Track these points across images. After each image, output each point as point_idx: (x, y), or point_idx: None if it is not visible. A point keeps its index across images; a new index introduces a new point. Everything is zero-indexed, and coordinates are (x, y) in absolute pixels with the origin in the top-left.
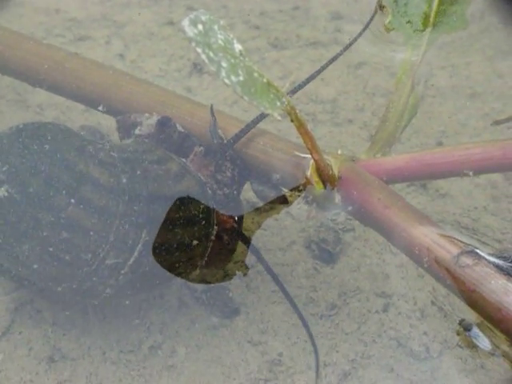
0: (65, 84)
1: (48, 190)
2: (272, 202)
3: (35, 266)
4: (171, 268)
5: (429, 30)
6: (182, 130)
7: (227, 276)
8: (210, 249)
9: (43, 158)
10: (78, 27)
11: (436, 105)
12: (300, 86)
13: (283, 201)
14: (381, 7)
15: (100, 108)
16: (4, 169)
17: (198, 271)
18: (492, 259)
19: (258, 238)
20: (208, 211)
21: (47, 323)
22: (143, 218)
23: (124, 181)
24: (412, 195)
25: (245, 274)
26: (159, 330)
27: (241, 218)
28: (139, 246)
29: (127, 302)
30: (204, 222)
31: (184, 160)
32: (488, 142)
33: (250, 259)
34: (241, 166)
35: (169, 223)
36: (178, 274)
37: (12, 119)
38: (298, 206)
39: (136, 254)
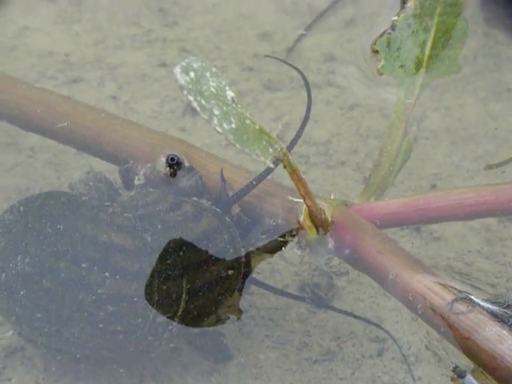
0: (57, 128)
1: (79, 271)
2: (267, 248)
3: (89, 345)
4: (215, 303)
5: (422, 73)
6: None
7: (220, 320)
8: (243, 270)
9: (62, 239)
10: (71, 69)
11: (429, 147)
12: (297, 137)
13: (279, 247)
14: (374, 51)
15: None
16: (27, 260)
17: (237, 293)
18: (486, 305)
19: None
20: (233, 238)
21: (38, 370)
22: (179, 268)
23: (149, 239)
24: (405, 238)
25: (238, 319)
26: (152, 376)
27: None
28: (183, 295)
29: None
30: (232, 249)
31: (195, 198)
32: (481, 186)
33: (243, 303)
34: (245, 226)
35: (203, 264)
36: (222, 304)
37: (4, 162)
38: (291, 251)
39: (182, 303)
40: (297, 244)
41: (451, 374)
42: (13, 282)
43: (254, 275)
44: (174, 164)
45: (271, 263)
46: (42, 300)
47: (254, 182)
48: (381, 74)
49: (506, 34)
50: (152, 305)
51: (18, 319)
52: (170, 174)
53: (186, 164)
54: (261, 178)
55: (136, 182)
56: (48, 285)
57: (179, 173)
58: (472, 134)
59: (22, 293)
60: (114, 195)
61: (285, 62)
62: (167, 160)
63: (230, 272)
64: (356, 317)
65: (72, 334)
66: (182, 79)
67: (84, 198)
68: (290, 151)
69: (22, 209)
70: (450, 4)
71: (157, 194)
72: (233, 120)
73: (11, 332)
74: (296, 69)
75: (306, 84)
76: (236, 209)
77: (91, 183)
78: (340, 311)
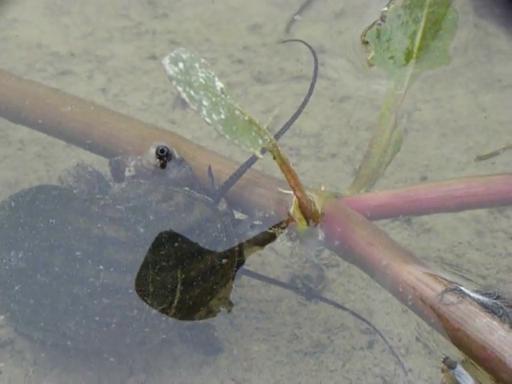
0: (46, 120)
1: (73, 264)
2: (257, 240)
3: (86, 338)
4: (210, 292)
5: (412, 65)
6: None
7: (211, 313)
8: (237, 258)
9: (55, 233)
10: (60, 62)
11: (420, 138)
12: (287, 126)
13: (269, 238)
14: (364, 42)
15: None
16: (20, 255)
17: (231, 282)
18: (476, 296)
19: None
20: (226, 226)
21: (28, 363)
22: (173, 259)
23: (142, 230)
24: (396, 230)
25: (229, 311)
26: (142, 369)
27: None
28: (178, 286)
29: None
30: (225, 238)
31: (186, 188)
32: (471, 177)
33: (233, 296)
34: (232, 221)
35: (197, 254)
36: (217, 294)
37: None
38: (282, 243)
39: (178, 294)
40: (287, 236)
41: (442, 365)
42: (7, 277)
43: (245, 266)
44: (164, 155)
45: (261, 255)
46: (36, 295)
47: (238, 173)
48: (371, 66)
49: (496, 26)
50: (147, 296)
51: (12, 314)
52: (160, 166)
53: (177, 155)
54: (244, 168)
55: (127, 173)
56: (42, 279)
57: (169, 164)
58: (462, 126)
59: (16, 288)
60: (105, 187)
61: (303, 43)
62: (157, 151)
63: (224, 261)
64: (345, 309)
65: (68, 327)
66: (171, 70)
67: (75, 191)
68: (282, 134)
69: (13, 204)
70: None
71: (148, 185)
72: (222, 111)
73: (2, 317)
74: (310, 47)
75: (315, 66)
76: (223, 204)
77: (81, 176)
78: (329, 302)
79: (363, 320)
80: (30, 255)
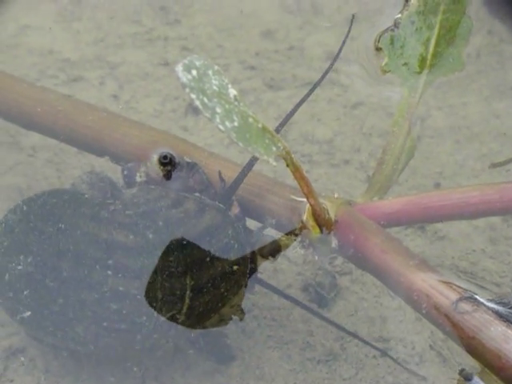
0: (58, 127)
1: (82, 269)
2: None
3: (95, 343)
4: (221, 299)
5: (425, 71)
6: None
7: (223, 321)
8: (249, 265)
9: (64, 238)
10: (72, 68)
11: (433, 145)
12: (286, 119)
13: (282, 246)
14: (377, 49)
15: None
16: (29, 260)
17: (243, 290)
18: (491, 305)
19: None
20: (237, 232)
21: (40, 371)
22: (182, 265)
23: (150, 236)
24: (410, 237)
25: (241, 319)
26: (154, 377)
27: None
28: (187, 292)
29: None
30: (237, 244)
31: (197, 194)
32: (485, 184)
33: (245, 303)
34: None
35: (207, 260)
36: (228, 301)
37: (5, 161)
38: (295, 250)
39: (187, 300)
40: (300, 243)
41: (456, 375)
42: (16, 281)
43: (258, 274)
44: (167, 163)
45: (274, 262)
46: (45, 299)
47: (243, 173)
48: (384, 72)
49: (509, 32)
50: (156, 302)
51: (22, 319)
52: (164, 176)
53: (188, 160)
54: (250, 166)
55: (138, 179)
56: (51, 284)
57: (175, 174)
58: (476, 133)
59: (25, 292)
60: (118, 194)
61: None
62: (159, 159)
63: (236, 267)
64: (348, 332)
65: (77, 333)
66: (184, 77)
67: (86, 196)
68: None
69: (24, 208)
70: (453, 1)
71: (159, 190)
72: (235, 118)
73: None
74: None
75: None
76: (235, 209)
77: (94, 183)
78: (332, 323)
79: (365, 342)
80: (39, 260)
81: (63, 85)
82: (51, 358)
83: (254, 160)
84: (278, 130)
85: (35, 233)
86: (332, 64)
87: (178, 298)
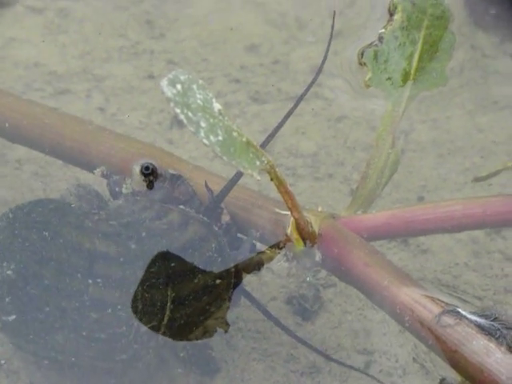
0: (44, 140)
1: (63, 277)
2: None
3: (75, 352)
4: (203, 312)
5: (409, 86)
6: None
7: (207, 333)
8: (233, 279)
9: (47, 246)
10: (58, 81)
11: (417, 159)
12: (271, 136)
13: (266, 259)
14: (361, 63)
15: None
16: (12, 266)
17: (227, 303)
18: (474, 318)
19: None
20: (221, 247)
21: (24, 383)
22: (163, 276)
23: (133, 247)
24: (393, 251)
25: (225, 331)
26: None
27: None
28: (168, 304)
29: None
30: (220, 258)
31: (182, 206)
32: (468, 198)
33: (230, 315)
34: (234, 236)
35: (189, 273)
36: (211, 314)
37: None
38: (279, 263)
39: (168, 312)
40: (284, 256)
41: None
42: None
43: (245, 287)
44: (149, 173)
45: (258, 275)
46: (26, 307)
47: (232, 182)
48: (368, 87)
49: (492, 47)
50: (136, 313)
51: (4, 326)
52: (147, 186)
53: (172, 172)
54: (238, 176)
55: (124, 190)
56: (32, 291)
57: (157, 184)
58: (459, 147)
59: (7, 299)
60: (105, 206)
61: None
62: (141, 170)
63: (218, 281)
64: (327, 357)
65: (57, 341)
66: (169, 92)
67: (72, 206)
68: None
69: (10, 215)
70: (437, 17)
71: (144, 202)
72: (220, 132)
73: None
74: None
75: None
76: (226, 217)
77: (82, 195)
78: (311, 348)
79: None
80: (22, 267)
81: (49, 98)
82: (35, 370)
83: (237, 176)
84: (264, 145)
85: (19, 240)
86: (315, 78)
87: (158, 310)
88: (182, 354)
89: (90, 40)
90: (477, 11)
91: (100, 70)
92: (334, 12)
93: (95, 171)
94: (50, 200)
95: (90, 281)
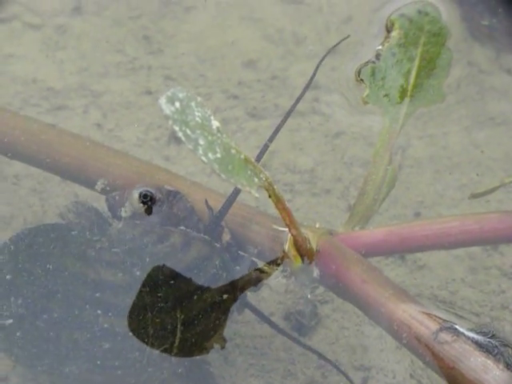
0: (41, 156)
1: (72, 309)
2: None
3: (89, 380)
4: (213, 328)
5: (406, 102)
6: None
7: (205, 349)
8: (238, 293)
9: (52, 279)
10: (55, 97)
11: (414, 175)
12: (265, 147)
13: (265, 275)
14: (358, 80)
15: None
16: (19, 302)
17: (234, 315)
18: (471, 335)
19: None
20: (224, 263)
21: None
22: (171, 300)
23: (138, 273)
24: (390, 267)
25: (222, 347)
26: None
27: None
28: (179, 326)
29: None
30: (225, 274)
31: (182, 227)
32: (465, 215)
33: (227, 332)
34: (235, 254)
35: (196, 292)
36: (221, 328)
37: None
38: (276, 280)
39: (179, 334)
40: (282, 273)
41: None
42: (8, 323)
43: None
44: (148, 201)
45: (256, 291)
46: (37, 341)
47: (230, 200)
48: (365, 103)
49: (489, 63)
50: (147, 338)
51: (17, 359)
52: (145, 211)
53: (169, 189)
54: (235, 195)
55: (123, 214)
56: (42, 325)
57: (156, 208)
58: (456, 163)
59: (18, 334)
60: (104, 224)
61: None
62: (140, 197)
63: (225, 296)
64: (326, 360)
65: (71, 371)
66: (168, 109)
67: (73, 233)
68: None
69: (12, 248)
70: (434, 34)
71: (144, 226)
72: (218, 150)
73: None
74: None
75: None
76: (226, 236)
77: (80, 212)
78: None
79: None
80: (29, 301)
81: (47, 113)
82: None
83: (236, 192)
84: (258, 159)
85: (24, 274)
86: (304, 90)
87: (169, 333)
88: (180, 370)
89: (87, 56)
90: (473, 23)
91: (97, 86)
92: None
93: (97, 184)
94: (51, 226)
95: (99, 311)
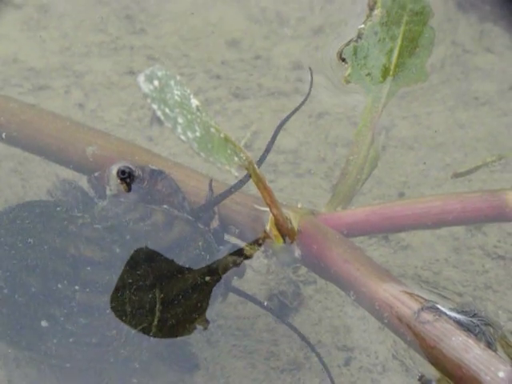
0: (21, 136)
1: (50, 285)
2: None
3: (68, 357)
4: (195, 310)
5: (389, 82)
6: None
7: (186, 330)
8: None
9: (32, 253)
10: (37, 77)
11: (397, 155)
12: (268, 148)
13: (246, 255)
14: (341, 59)
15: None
16: None
17: (219, 299)
18: (453, 315)
19: None
20: (209, 244)
21: (2, 381)
22: (150, 278)
23: (118, 250)
24: (373, 247)
25: (205, 328)
26: None
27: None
28: (157, 305)
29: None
30: (208, 255)
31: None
32: (448, 194)
33: (210, 313)
34: (221, 241)
35: (177, 273)
36: (204, 310)
37: None
38: (258, 260)
39: (158, 313)
40: (263, 253)
41: (417, 383)
42: None
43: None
44: (126, 177)
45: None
46: (15, 315)
47: (232, 190)
48: (348, 82)
49: (473, 43)
50: (125, 316)
51: None
52: (124, 189)
53: (153, 168)
54: (237, 187)
55: (108, 192)
56: (20, 299)
57: (134, 186)
58: (440, 143)
59: None
60: (90, 203)
61: None
62: (118, 174)
63: (208, 278)
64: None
65: (49, 347)
66: (146, 88)
67: (58, 209)
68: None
69: None
70: (416, 12)
71: (127, 204)
72: (197, 128)
73: None
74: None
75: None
76: (215, 222)
77: (68, 190)
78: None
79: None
80: (8, 275)
81: (28, 94)
82: (13, 368)
83: (246, 178)
84: (263, 158)
85: (5, 247)
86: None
87: (147, 312)
88: (161, 352)
89: (69, 35)
90: None
91: (79, 66)
92: (310, 69)
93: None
94: (37, 202)
95: (77, 286)
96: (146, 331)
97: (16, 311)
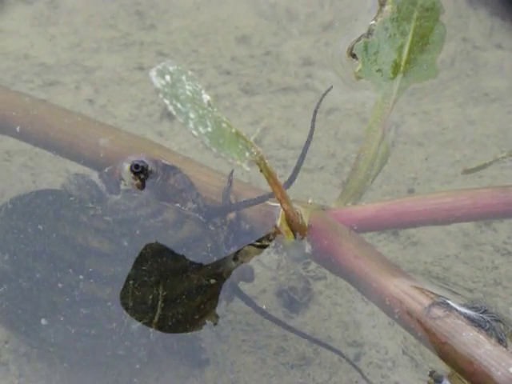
0: (33, 131)
1: (55, 272)
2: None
3: (65, 346)
4: (197, 311)
5: (399, 78)
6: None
7: (197, 326)
8: (228, 280)
9: (41, 239)
10: (47, 72)
11: (407, 151)
12: (298, 165)
13: (256, 251)
14: (351, 55)
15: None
16: (6, 258)
17: (223, 302)
18: (463, 310)
19: None
20: (217, 247)
21: (13, 375)
22: (155, 275)
23: (125, 244)
24: (383, 243)
25: (215, 324)
26: (128, 381)
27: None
28: (159, 302)
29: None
30: (216, 258)
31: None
32: (458, 190)
33: (220, 308)
34: (237, 233)
35: (182, 272)
36: (206, 314)
37: None
38: (268, 255)
39: (159, 310)
40: (274, 248)
41: (428, 378)
42: None
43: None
44: (139, 172)
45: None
46: (18, 299)
47: (263, 198)
48: (358, 78)
49: (483, 39)
50: (126, 310)
51: None
52: (137, 186)
53: (166, 163)
54: (265, 197)
55: (122, 186)
56: (24, 284)
57: (148, 182)
58: (450, 139)
59: (0, 289)
60: (103, 198)
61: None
62: (131, 168)
63: (213, 281)
64: (316, 341)
65: (47, 334)
66: (158, 82)
67: (71, 198)
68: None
69: (9, 206)
70: (427, 8)
71: (140, 199)
72: (209, 124)
73: None
74: None
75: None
76: (232, 214)
77: (81, 185)
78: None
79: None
80: (15, 259)
81: (39, 89)
82: (24, 363)
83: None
84: (289, 183)
85: (15, 231)
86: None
87: (149, 308)
88: (171, 346)
89: (79, 31)
90: None
91: (89, 62)
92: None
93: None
94: (51, 191)
95: (82, 276)
96: (146, 327)
97: (19, 295)
